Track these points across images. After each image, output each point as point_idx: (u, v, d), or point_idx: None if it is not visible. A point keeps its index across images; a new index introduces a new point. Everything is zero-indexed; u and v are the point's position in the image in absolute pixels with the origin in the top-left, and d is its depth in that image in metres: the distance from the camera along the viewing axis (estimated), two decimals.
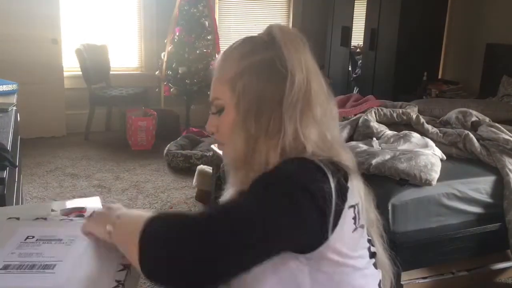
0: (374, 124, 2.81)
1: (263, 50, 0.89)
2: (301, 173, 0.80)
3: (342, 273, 0.83)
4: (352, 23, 5.44)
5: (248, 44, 0.92)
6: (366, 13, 5.26)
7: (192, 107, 5.05)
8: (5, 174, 1.49)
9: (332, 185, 0.79)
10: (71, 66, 5.00)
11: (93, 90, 4.88)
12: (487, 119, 2.96)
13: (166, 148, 4.22)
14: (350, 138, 2.82)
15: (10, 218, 1.08)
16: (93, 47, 4.94)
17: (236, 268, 0.75)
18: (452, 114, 3.06)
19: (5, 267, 0.86)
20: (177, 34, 4.80)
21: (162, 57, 4.90)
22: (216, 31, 5.02)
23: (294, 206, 0.76)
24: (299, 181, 0.78)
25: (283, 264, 0.82)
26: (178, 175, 3.96)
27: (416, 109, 3.34)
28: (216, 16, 5.38)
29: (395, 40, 4.77)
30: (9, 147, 1.68)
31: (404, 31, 4.72)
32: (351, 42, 5.50)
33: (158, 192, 3.61)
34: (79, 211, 1.18)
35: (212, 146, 3.09)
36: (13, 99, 2.42)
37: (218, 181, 2.94)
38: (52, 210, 1.15)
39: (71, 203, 1.25)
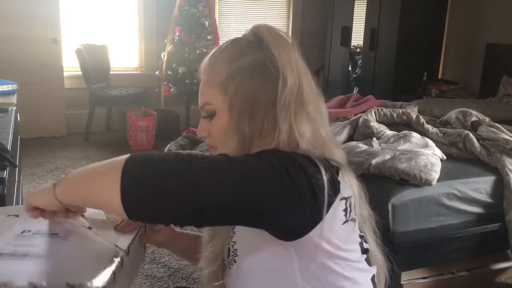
0: (374, 124, 2.81)
1: (252, 51, 0.89)
2: (298, 158, 0.81)
3: (333, 264, 0.84)
4: (352, 23, 5.44)
5: (236, 46, 0.91)
6: (366, 13, 5.26)
7: (192, 107, 5.04)
8: (5, 174, 1.49)
9: (324, 177, 0.79)
10: (71, 66, 5.00)
11: (93, 90, 4.88)
12: (487, 119, 2.96)
13: (166, 148, 4.20)
14: (350, 138, 2.83)
15: (9, 215, 1.09)
16: (93, 47, 4.94)
17: (221, 211, 0.74)
18: (452, 114, 3.06)
19: None
20: (177, 34, 4.79)
21: (162, 57, 4.90)
22: (216, 31, 5.02)
23: (290, 177, 0.76)
24: (297, 161, 0.79)
25: (272, 255, 0.83)
26: None
27: (416, 109, 3.34)
28: (216, 16, 5.38)
29: (395, 40, 4.77)
30: (9, 147, 1.68)
31: (404, 31, 4.72)
32: (351, 42, 5.50)
33: None
34: None
35: None
36: (13, 99, 2.42)
37: None
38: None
39: None
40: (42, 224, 0.99)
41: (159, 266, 2.55)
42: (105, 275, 0.81)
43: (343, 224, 0.84)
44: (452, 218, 2.29)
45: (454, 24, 5.09)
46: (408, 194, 2.18)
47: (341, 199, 0.83)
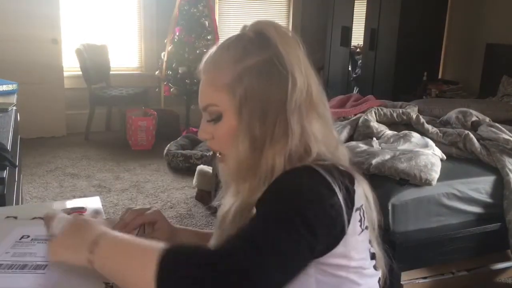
0: (374, 124, 2.81)
1: (259, 50, 0.85)
2: (311, 192, 0.77)
3: (349, 274, 0.83)
4: (352, 23, 5.44)
5: (240, 45, 0.87)
6: (366, 13, 5.26)
7: (192, 107, 5.05)
8: (5, 174, 1.49)
9: (341, 197, 0.78)
10: (71, 66, 5.00)
11: (93, 90, 4.88)
12: (487, 119, 2.96)
13: (166, 148, 4.22)
14: (350, 138, 2.82)
15: (8, 217, 1.09)
16: (93, 47, 4.94)
17: None
18: (452, 114, 3.06)
19: None
20: (177, 34, 4.80)
21: (162, 57, 4.91)
22: (216, 31, 5.02)
23: (314, 236, 0.75)
24: (314, 202, 0.76)
25: None
26: (178, 175, 3.96)
27: (416, 109, 3.34)
28: (216, 16, 5.38)
29: (395, 40, 4.77)
30: (9, 147, 1.68)
31: (404, 31, 4.72)
32: (351, 42, 5.50)
33: (158, 192, 3.61)
34: (79, 211, 1.18)
35: None
36: (13, 99, 2.42)
37: (218, 181, 2.94)
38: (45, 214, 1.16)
39: (71, 203, 1.25)
40: (41, 229, 0.99)
41: None
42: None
43: (359, 235, 0.83)
44: (452, 218, 2.28)
45: (454, 24, 5.09)
46: (408, 194, 2.18)
47: (356, 210, 0.82)
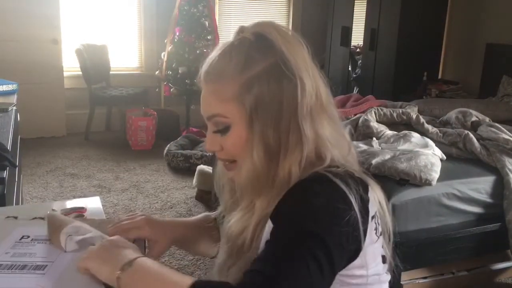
0: (374, 124, 2.81)
1: (263, 56, 0.82)
2: (326, 211, 0.76)
3: (366, 283, 0.82)
4: (352, 23, 5.44)
5: (242, 51, 0.83)
6: (366, 13, 5.26)
7: (192, 107, 5.05)
8: (5, 174, 1.49)
9: (357, 209, 0.76)
10: (71, 66, 5.00)
11: (93, 90, 4.88)
12: (487, 119, 2.97)
13: (166, 148, 4.22)
14: (351, 137, 2.82)
15: (8, 217, 1.09)
16: (93, 47, 4.95)
17: None
18: (452, 114, 3.06)
19: None
20: (177, 34, 4.80)
21: (162, 57, 4.90)
22: (216, 31, 5.02)
23: (331, 260, 0.74)
24: (330, 224, 0.75)
25: None
26: (178, 175, 3.96)
27: (416, 109, 3.34)
28: (216, 16, 5.38)
29: (395, 40, 4.77)
30: (9, 147, 1.68)
31: (404, 31, 4.71)
32: (351, 42, 5.50)
33: (158, 192, 3.61)
34: (79, 211, 1.18)
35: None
36: (13, 99, 2.42)
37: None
38: (52, 210, 1.16)
39: (71, 203, 1.26)
40: (41, 229, 0.99)
41: None
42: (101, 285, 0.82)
43: (375, 242, 0.82)
44: (452, 218, 2.28)
45: (454, 24, 5.09)
46: (408, 194, 2.18)
47: (372, 218, 0.81)
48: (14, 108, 2.29)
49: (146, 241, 1.01)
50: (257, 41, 0.83)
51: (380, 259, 0.86)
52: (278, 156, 0.82)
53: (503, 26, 4.48)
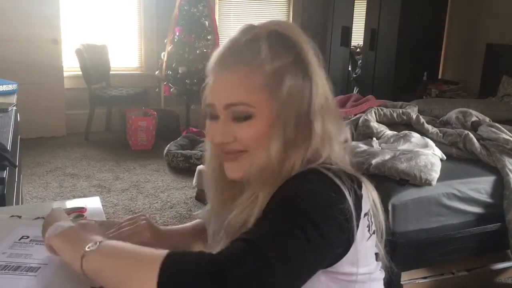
0: (374, 124, 2.81)
1: (286, 50, 0.83)
2: (319, 196, 0.76)
3: (355, 281, 0.82)
4: (352, 23, 5.44)
5: (268, 44, 0.82)
6: (366, 13, 5.26)
7: (192, 107, 5.05)
8: (5, 174, 1.49)
9: (351, 202, 0.76)
10: (71, 66, 5.00)
11: (93, 90, 4.88)
12: (487, 119, 2.97)
13: (166, 148, 4.22)
14: (351, 138, 2.82)
15: (12, 216, 1.10)
16: (93, 47, 4.94)
17: None
18: (452, 114, 3.06)
19: None
20: (177, 34, 4.80)
21: (162, 57, 4.90)
22: (216, 31, 5.02)
23: (325, 240, 0.73)
24: (322, 207, 0.75)
25: None
26: (178, 175, 3.96)
27: (416, 109, 3.34)
28: (216, 16, 5.38)
29: (395, 40, 4.77)
30: (9, 147, 1.68)
31: (404, 31, 4.72)
32: (351, 42, 5.50)
33: (158, 192, 3.61)
34: (79, 211, 1.18)
35: None
36: (13, 99, 2.42)
37: None
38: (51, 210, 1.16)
39: (71, 203, 1.26)
40: (41, 230, 0.99)
41: None
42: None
43: (367, 240, 0.82)
44: (452, 218, 2.28)
45: (454, 24, 5.09)
46: (408, 194, 2.18)
47: (364, 215, 0.80)
48: (14, 108, 2.29)
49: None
50: (274, 37, 0.84)
51: (373, 257, 0.86)
52: (291, 150, 0.82)
53: (503, 26, 4.48)
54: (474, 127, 2.84)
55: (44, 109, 4.76)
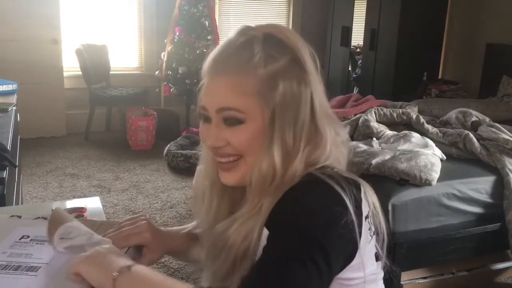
0: (374, 124, 2.81)
1: (280, 54, 0.81)
2: (324, 215, 0.74)
3: (361, 283, 0.82)
4: (352, 23, 5.44)
5: (262, 48, 0.81)
6: (366, 13, 5.26)
7: (192, 107, 5.04)
8: (5, 174, 1.49)
9: (352, 211, 0.75)
10: (71, 66, 5.00)
11: (93, 90, 4.88)
12: (487, 119, 2.97)
13: (166, 148, 4.22)
14: (350, 138, 2.83)
15: (12, 216, 1.10)
16: (93, 47, 4.95)
17: None
18: (452, 114, 3.06)
19: None
20: (177, 34, 4.80)
21: (162, 57, 4.90)
22: (216, 31, 5.02)
23: (328, 263, 0.73)
24: (323, 228, 0.74)
25: None
26: (178, 175, 3.96)
27: (416, 109, 3.34)
28: (216, 16, 5.38)
29: (395, 40, 4.77)
30: (9, 147, 1.68)
31: (404, 31, 4.72)
32: (351, 42, 5.50)
33: (158, 192, 3.61)
34: (79, 211, 1.18)
35: None
36: (13, 99, 2.42)
37: None
38: (52, 210, 1.16)
39: (71, 203, 1.26)
40: (42, 230, 0.99)
41: (158, 266, 2.55)
42: None
43: (369, 243, 0.81)
44: (452, 218, 2.29)
45: (454, 24, 5.09)
46: (408, 194, 2.18)
47: (365, 218, 0.80)
48: (14, 108, 2.29)
49: (142, 247, 0.99)
50: (270, 41, 0.82)
51: (374, 257, 0.86)
52: (292, 156, 0.81)
53: (503, 26, 4.48)
54: (474, 127, 2.84)
55: (44, 109, 4.76)
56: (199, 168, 0.96)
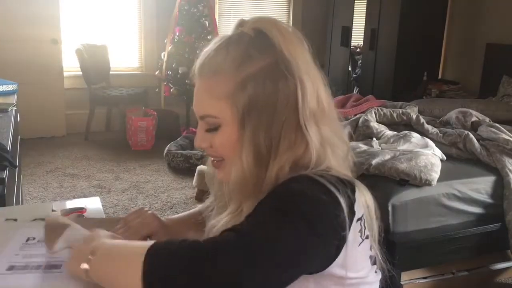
0: (374, 124, 2.81)
1: (262, 54, 0.79)
2: (312, 196, 0.73)
3: (344, 284, 0.79)
4: (352, 23, 5.44)
5: (240, 48, 0.80)
6: (366, 13, 5.26)
7: (192, 107, 5.04)
8: (5, 174, 1.49)
9: (345, 208, 0.74)
10: (71, 66, 5.00)
11: (93, 90, 4.88)
12: (487, 119, 2.97)
13: (166, 148, 4.22)
14: (350, 138, 2.83)
15: (7, 219, 1.09)
16: (93, 47, 4.95)
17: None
18: (452, 114, 3.06)
19: (10, 268, 0.87)
20: (177, 34, 4.80)
21: (162, 57, 4.91)
22: (216, 31, 5.02)
23: (314, 235, 0.71)
24: (315, 205, 0.72)
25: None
26: (178, 175, 3.96)
27: (416, 109, 3.34)
28: (216, 16, 5.38)
29: (395, 40, 4.77)
30: (9, 147, 1.68)
31: (404, 31, 4.71)
32: (351, 42, 5.50)
33: (158, 192, 3.61)
34: (79, 211, 1.18)
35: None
36: (13, 99, 2.42)
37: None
38: (53, 211, 1.16)
39: (71, 204, 1.25)
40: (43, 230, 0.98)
41: None
42: None
43: (359, 245, 0.79)
44: (452, 218, 2.28)
45: (454, 24, 5.09)
46: (408, 194, 2.18)
47: (357, 220, 0.78)
48: (14, 108, 2.28)
49: (149, 237, 1.01)
50: (256, 38, 0.80)
51: (367, 262, 0.83)
52: (268, 160, 0.79)
53: (503, 26, 4.48)
54: (474, 127, 2.84)
55: (44, 109, 4.76)
56: None
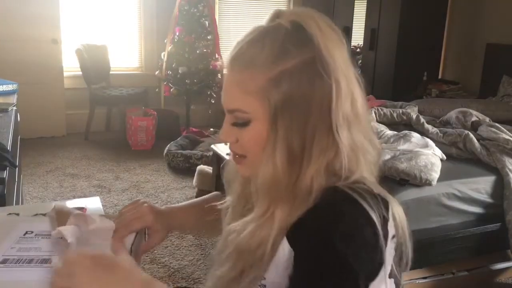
0: (374, 124, 2.81)
1: (299, 50, 0.74)
2: (356, 236, 0.71)
3: None
4: (352, 23, 5.44)
5: (276, 42, 0.75)
6: (366, 13, 5.26)
7: (192, 107, 5.05)
8: (5, 174, 1.49)
9: (379, 229, 0.72)
10: (71, 66, 5.00)
11: (93, 90, 4.88)
12: (487, 119, 2.97)
13: (166, 148, 4.22)
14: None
15: (10, 214, 1.10)
16: (93, 47, 4.95)
17: None
18: (452, 114, 3.06)
19: (4, 261, 0.88)
20: (177, 34, 4.80)
21: (162, 57, 4.91)
22: (216, 31, 5.02)
23: (367, 279, 0.72)
24: (355, 250, 0.71)
25: None
26: (178, 175, 3.96)
27: (416, 109, 3.35)
28: (216, 16, 5.38)
29: (395, 40, 4.77)
30: (9, 147, 1.68)
31: (404, 31, 4.72)
32: (351, 42, 5.50)
33: (158, 192, 3.61)
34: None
35: (213, 146, 3.09)
36: (13, 99, 2.42)
37: (218, 181, 2.94)
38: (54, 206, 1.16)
39: (71, 203, 1.26)
40: (44, 225, 0.99)
41: (159, 266, 2.55)
42: None
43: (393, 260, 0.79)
44: (452, 218, 2.28)
45: (454, 24, 5.09)
46: (408, 194, 2.18)
47: (392, 238, 0.77)
48: (14, 108, 2.29)
49: (147, 229, 1.01)
50: (293, 32, 0.75)
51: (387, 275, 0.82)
52: (301, 162, 0.75)
53: (503, 26, 4.48)
54: (474, 127, 2.84)
55: (44, 109, 4.76)
56: None
